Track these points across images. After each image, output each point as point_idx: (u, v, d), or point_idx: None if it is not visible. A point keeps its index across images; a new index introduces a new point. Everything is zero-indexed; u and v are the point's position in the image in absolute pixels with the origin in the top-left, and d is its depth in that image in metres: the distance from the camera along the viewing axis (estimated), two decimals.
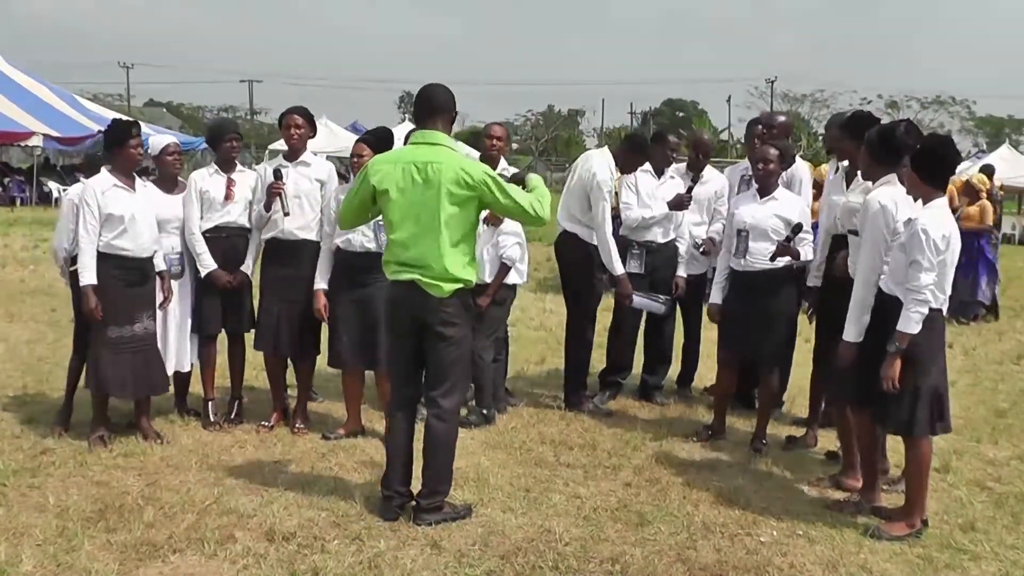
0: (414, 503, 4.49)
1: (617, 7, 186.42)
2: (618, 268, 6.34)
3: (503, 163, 6.46)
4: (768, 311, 5.70)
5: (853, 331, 4.71)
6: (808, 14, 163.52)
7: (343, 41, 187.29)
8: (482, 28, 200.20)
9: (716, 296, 6.01)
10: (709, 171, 6.98)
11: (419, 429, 4.60)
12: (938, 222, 4.32)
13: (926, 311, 4.30)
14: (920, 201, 4.48)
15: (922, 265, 4.26)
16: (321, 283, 5.73)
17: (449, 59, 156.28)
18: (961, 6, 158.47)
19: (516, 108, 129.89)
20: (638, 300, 6.43)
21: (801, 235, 5.65)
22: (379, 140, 5.54)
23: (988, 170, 12.68)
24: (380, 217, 4.68)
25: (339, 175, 6.16)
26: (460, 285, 4.39)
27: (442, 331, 4.38)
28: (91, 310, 5.30)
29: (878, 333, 4.51)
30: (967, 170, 19.39)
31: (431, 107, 4.44)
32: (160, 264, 5.67)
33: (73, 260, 5.68)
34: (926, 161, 4.42)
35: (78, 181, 5.90)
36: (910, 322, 4.29)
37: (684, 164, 6.93)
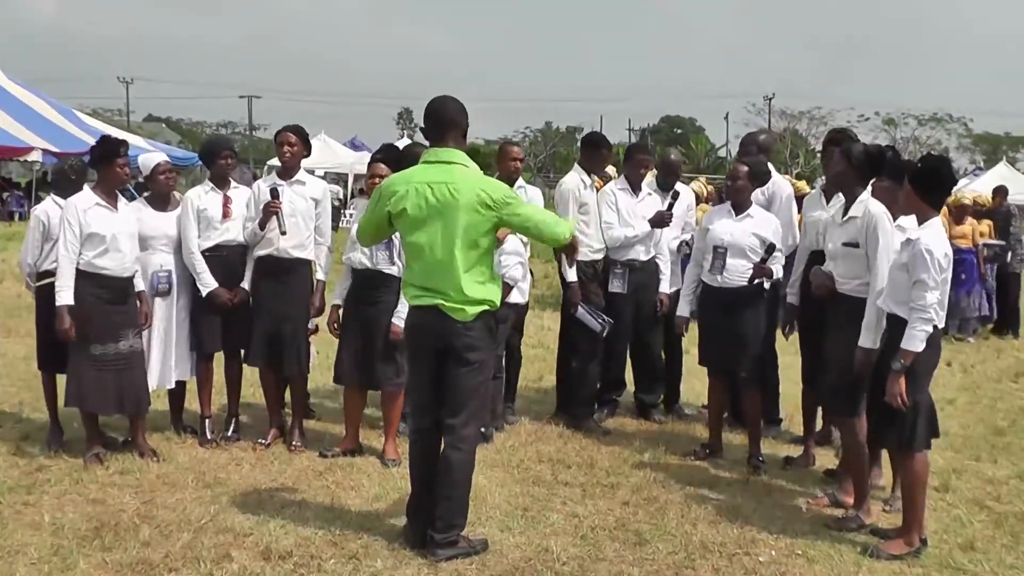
0: (429, 536, 4.31)
1: (615, 23, 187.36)
2: (570, 276, 6.39)
3: (520, 181, 6.52)
4: (744, 327, 5.72)
5: (870, 338, 4.72)
6: (807, 31, 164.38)
7: (342, 57, 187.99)
8: (480, 44, 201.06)
9: (684, 309, 6.06)
10: (678, 185, 7.08)
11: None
12: (939, 241, 4.37)
13: (931, 329, 4.33)
14: (915, 220, 4.54)
15: (927, 284, 4.29)
16: (336, 299, 5.76)
17: (447, 75, 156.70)
18: (959, 24, 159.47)
19: (514, 124, 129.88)
20: (580, 312, 6.43)
21: (774, 253, 5.69)
22: (392, 158, 5.59)
23: (1001, 191, 12.87)
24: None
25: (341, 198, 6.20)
26: (484, 307, 4.24)
27: (467, 356, 4.22)
28: (64, 331, 5.23)
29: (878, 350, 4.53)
30: (965, 187, 19.49)
31: (442, 122, 4.25)
32: (139, 284, 5.61)
33: (39, 276, 5.67)
34: (927, 180, 4.47)
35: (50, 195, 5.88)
36: (915, 340, 4.31)
37: (652, 179, 7.00)
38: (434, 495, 4.30)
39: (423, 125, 4.37)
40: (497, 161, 6.64)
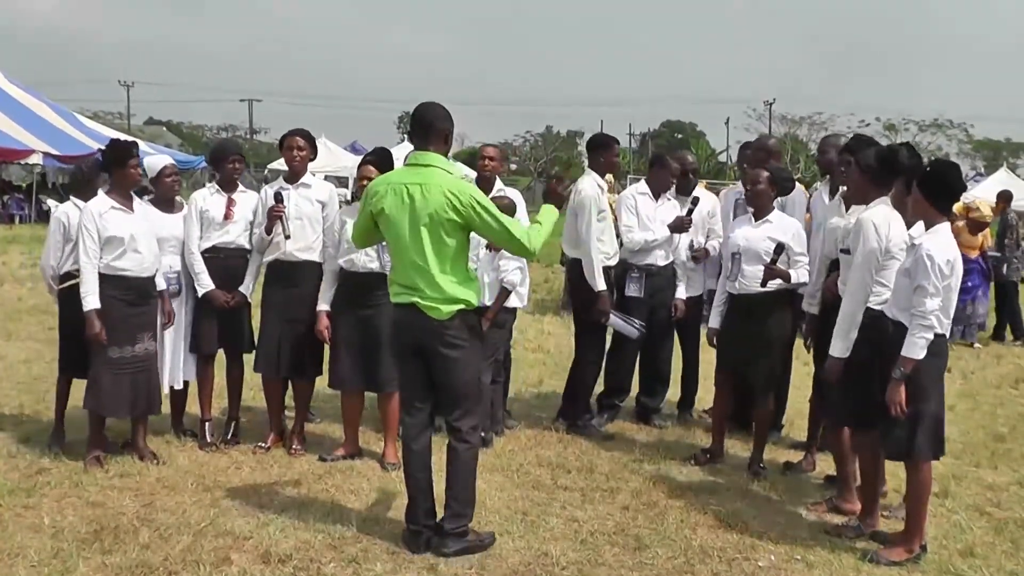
0: (437, 527, 4.38)
1: (617, 27, 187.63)
2: (599, 284, 6.33)
3: (498, 183, 6.50)
4: (762, 334, 5.69)
5: (840, 346, 4.74)
6: (808, 36, 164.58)
7: (342, 60, 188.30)
8: (481, 49, 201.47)
9: (715, 320, 6.00)
10: (699, 190, 7.05)
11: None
12: (943, 247, 4.31)
13: (931, 336, 4.29)
14: (923, 225, 4.49)
15: (927, 290, 4.25)
16: (323, 304, 5.73)
17: (448, 79, 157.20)
18: (959, 30, 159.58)
19: (515, 129, 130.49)
20: (614, 319, 6.41)
21: (796, 258, 5.66)
22: (382, 160, 5.57)
23: (1005, 195, 12.86)
24: None
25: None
26: (460, 306, 4.32)
27: (447, 353, 4.31)
28: (95, 335, 5.27)
29: (880, 357, 4.51)
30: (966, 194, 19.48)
31: (424, 127, 4.38)
32: (161, 283, 5.65)
33: (62, 278, 5.68)
34: (935, 184, 4.42)
35: (67, 199, 5.89)
36: (915, 347, 4.28)
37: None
38: (440, 487, 4.42)
39: (409, 130, 4.51)
40: None
